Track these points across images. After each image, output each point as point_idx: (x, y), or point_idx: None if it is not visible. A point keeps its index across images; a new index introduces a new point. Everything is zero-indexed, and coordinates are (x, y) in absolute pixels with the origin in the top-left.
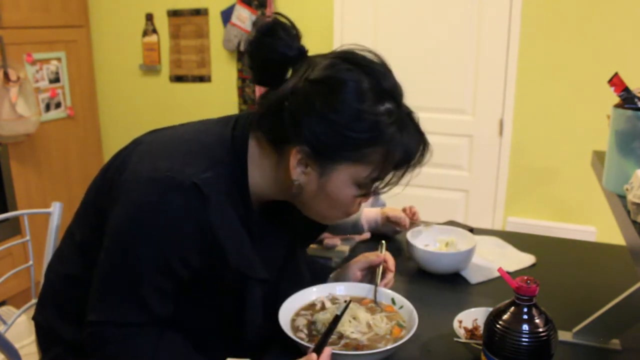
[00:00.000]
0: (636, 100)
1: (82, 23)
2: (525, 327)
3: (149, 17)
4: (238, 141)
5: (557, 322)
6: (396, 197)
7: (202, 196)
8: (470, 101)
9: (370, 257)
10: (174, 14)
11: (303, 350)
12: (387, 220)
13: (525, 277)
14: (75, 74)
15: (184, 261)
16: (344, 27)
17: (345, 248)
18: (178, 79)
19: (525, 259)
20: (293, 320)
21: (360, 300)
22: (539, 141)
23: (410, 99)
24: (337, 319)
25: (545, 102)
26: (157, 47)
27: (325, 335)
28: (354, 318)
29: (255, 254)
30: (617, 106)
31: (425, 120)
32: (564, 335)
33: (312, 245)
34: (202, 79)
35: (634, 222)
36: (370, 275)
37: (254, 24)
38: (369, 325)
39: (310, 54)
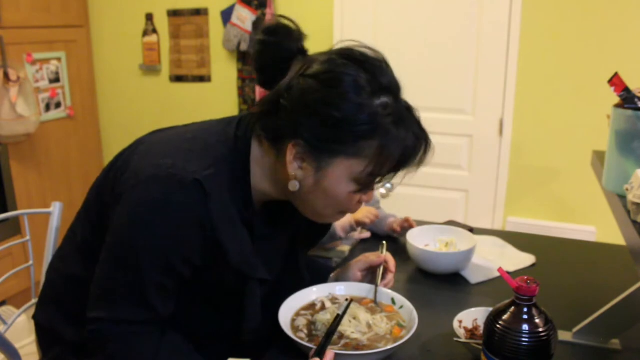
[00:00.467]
0: (636, 100)
1: (82, 23)
2: (525, 327)
3: (149, 17)
4: (241, 140)
5: (557, 322)
6: (396, 197)
7: (204, 193)
8: (470, 101)
9: (371, 257)
10: (174, 14)
11: (303, 351)
12: (357, 223)
13: (525, 277)
14: (75, 74)
15: (186, 259)
16: (344, 27)
17: (345, 248)
18: (178, 79)
19: (525, 259)
20: (293, 320)
21: (360, 300)
22: (539, 141)
23: (410, 99)
24: (338, 318)
25: (545, 102)
26: (157, 47)
27: (327, 337)
28: (354, 318)
29: (256, 254)
30: (617, 106)
31: (425, 120)
32: (564, 335)
33: None
34: (202, 79)
35: (634, 222)
36: (370, 275)
37: (255, 25)
38: (369, 325)
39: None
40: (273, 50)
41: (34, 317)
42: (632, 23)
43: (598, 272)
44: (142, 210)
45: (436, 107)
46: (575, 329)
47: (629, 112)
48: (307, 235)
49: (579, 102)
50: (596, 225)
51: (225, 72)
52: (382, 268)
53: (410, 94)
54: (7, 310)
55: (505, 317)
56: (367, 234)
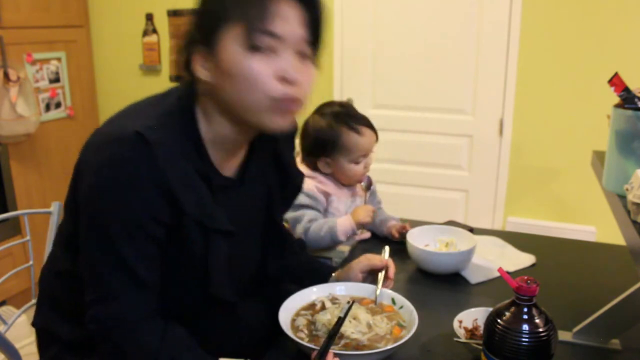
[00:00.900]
0: (636, 100)
1: (82, 23)
2: (525, 327)
3: (149, 17)
4: (184, 95)
5: (557, 322)
6: (396, 197)
7: (146, 143)
8: (470, 101)
9: (374, 260)
10: (174, 14)
11: (304, 351)
12: (357, 225)
13: (525, 277)
14: (75, 74)
15: (153, 217)
16: (344, 27)
17: (345, 248)
18: (178, 79)
19: (525, 259)
20: (293, 320)
21: (360, 301)
22: (539, 141)
23: (410, 99)
24: (339, 321)
25: (545, 102)
26: (157, 47)
27: (329, 339)
28: (354, 318)
29: (217, 205)
30: (617, 106)
31: (425, 120)
32: (564, 335)
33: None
34: None
35: (634, 222)
36: (371, 277)
37: None
38: (369, 326)
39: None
40: None
41: (33, 323)
42: (632, 23)
43: (598, 272)
44: (97, 177)
45: (436, 107)
46: (575, 329)
47: (629, 112)
48: (282, 189)
49: (579, 102)
50: (596, 225)
51: None
52: (383, 273)
53: (410, 94)
54: (7, 310)
55: (505, 317)
56: (367, 235)
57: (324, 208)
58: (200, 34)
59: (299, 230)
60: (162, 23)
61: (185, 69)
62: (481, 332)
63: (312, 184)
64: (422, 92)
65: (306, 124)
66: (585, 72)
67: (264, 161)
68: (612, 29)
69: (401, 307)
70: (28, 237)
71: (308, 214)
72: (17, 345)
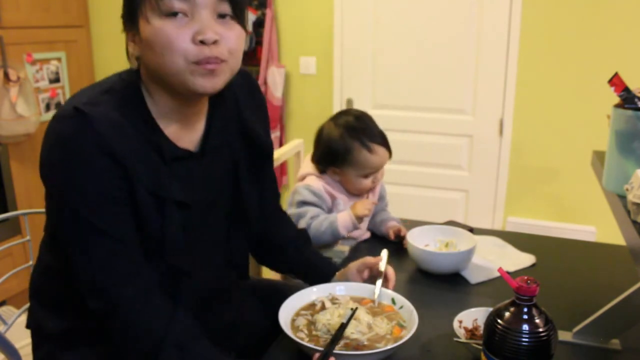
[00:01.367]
0: (636, 100)
1: (82, 23)
2: (525, 327)
3: None
4: (128, 73)
5: (557, 322)
6: (396, 197)
7: (85, 116)
8: (470, 101)
9: (368, 259)
10: None
11: (304, 350)
12: (357, 219)
13: (525, 277)
14: (75, 74)
15: (113, 184)
16: (344, 27)
17: (345, 248)
18: None
19: (525, 259)
20: (293, 320)
21: (360, 300)
22: (539, 141)
23: (410, 99)
24: (342, 327)
25: (545, 102)
26: None
27: (331, 343)
28: (355, 318)
29: (171, 175)
30: (617, 106)
31: (425, 120)
32: (564, 335)
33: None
34: None
35: (634, 222)
36: (370, 280)
37: (256, 25)
38: (369, 326)
39: (309, 54)
40: None
41: (26, 325)
42: (632, 23)
43: (598, 272)
44: (47, 160)
45: (436, 107)
46: (575, 329)
47: (629, 112)
48: (251, 159)
49: (579, 102)
50: (596, 225)
51: None
52: (382, 278)
53: (410, 94)
54: (7, 310)
55: (505, 317)
56: (367, 235)
57: (328, 208)
58: (126, 16)
59: (300, 227)
60: None
61: (126, 53)
62: (481, 332)
63: (320, 183)
64: (422, 92)
65: (321, 130)
66: (585, 72)
67: (228, 132)
68: (612, 29)
69: (401, 307)
70: (28, 237)
71: (311, 210)
72: (17, 345)
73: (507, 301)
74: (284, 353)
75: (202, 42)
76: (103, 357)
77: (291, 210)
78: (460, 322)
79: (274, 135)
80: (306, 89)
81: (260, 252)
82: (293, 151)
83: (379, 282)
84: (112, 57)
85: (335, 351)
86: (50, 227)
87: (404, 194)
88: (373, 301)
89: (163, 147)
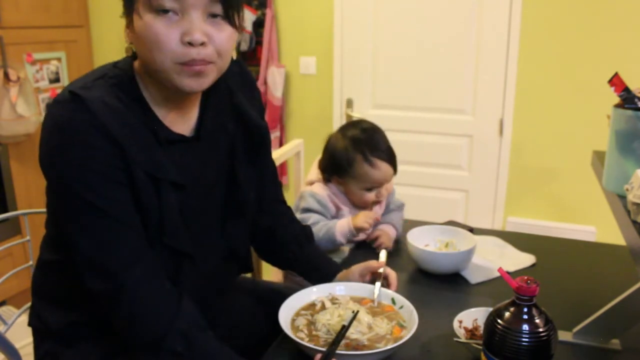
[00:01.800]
0: (636, 100)
1: (82, 23)
2: (525, 327)
3: None
4: (122, 61)
5: (557, 322)
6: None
7: (81, 100)
8: (470, 101)
9: (371, 262)
10: None
11: (304, 351)
12: (356, 229)
13: (525, 277)
14: (75, 74)
15: (110, 164)
16: (344, 27)
17: (345, 248)
18: None
19: (525, 259)
20: (293, 320)
21: (360, 300)
22: (539, 141)
23: (410, 99)
24: (343, 330)
25: (545, 102)
26: None
27: (333, 344)
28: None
29: (167, 158)
30: (617, 106)
31: (425, 120)
32: (564, 335)
33: None
34: None
35: (634, 222)
36: (373, 282)
37: (255, 25)
38: (369, 326)
39: (309, 54)
40: None
41: (28, 323)
42: (632, 23)
43: (598, 272)
44: (46, 145)
45: (436, 107)
46: (575, 329)
47: (629, 112)
48: (246, 142)
49: (579, 102)
50: (596, 225)
51: None
52: (381, 279)
53: (410, 94)
54: (7, 310)
55: (505, 317)
56: (363, 236)
57: (332, 217)
58: (125, 4)
59: None
60: None
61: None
62: (481, 332)
63: (326, 192)
64: (422, 92)
65: (329, 139)
66: (585, 72)
67: (223, 115)
68: (612, 29)
69: (401, 307)
70: (28, 237)
71: (314, 217)
72: (17, 345)
73: (507, 301)
74: (284, 353)
75: (190, 44)
76: (105, 353)
77: (296, 216)
78: (460, 322)
79: (274, 135)
80: (306, 89)
81: (262, 247)
82: (293, 151)
83: (378, 284)
84: (112, 57)
85: (335, 351)
86: (51, 217)
87: (403, 194)
88: (373, 301)
89: (158, 130)
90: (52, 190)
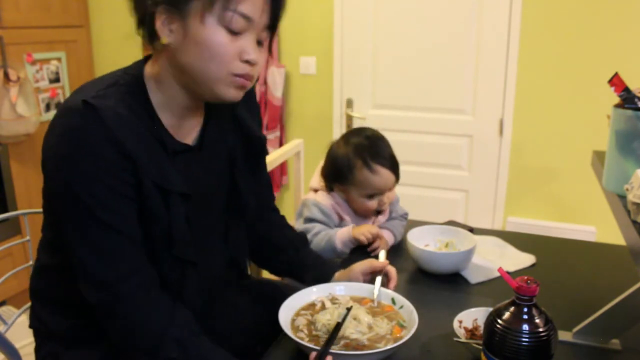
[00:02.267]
0: (636, 100)
1: (82, 23)
2: (525, 327)
3: None
4: (132, 67)
5: (557, 322)
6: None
7: (94, 109)
8: (470, 101)
9: (374, 262)
10: None
11: (304, 350)
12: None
13: (525, 277)
14: (75, 74)
15: (117, 177)
16: (344, 27)
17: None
18: None
19: (525, 259)
20: (293, 320)
21: (360, 300)
22: (539, 141)
23: (410, 99)
24: (338, 327)
25: (545, 102)
26: None
27: (327, 343)
28: (355, 318)
29: (173, 168)
30: (617, 106)
31: (425, 120)
32: (564, 335)
33: None
34: None
35: (634, 222)
36: (373, 280)
37: None
38: (369, 326)
39: (309, 54)
40: None
41: (29, 325)
42: (632, 23)
43: (598, 272)
44: (54, 153)
45: (436, 107)
46: (575, 329)
47: (629, 112)
48: (245, 152)
49: (579, 102)
50: (596, 225)
51: None
52: (381, 276)
53: (410, 94)
54: (7, 310)
55: (505, 317)
56: None
57: (335, 226)
58: (168, 7)
59: None
60: None
61: (142, 23)
62: (481, 332)
63: (330, 202)
64: (422, 92)
65: (331, 146)
66: (585, 72)
67: (224, 125)
68: (612, 29)
69: (401, 307)
70: (28, 237)
71: (317, 227)
72: (17, 345)
73: (507, 301)
74: (284, 353)
75: (247, 62)
76: (106, 354)
77: (298, 224)
78: (460, 322)
79: (274, 135)
80: (306, 89)
81: (259, 255)
82: (293, 151)
83: (379, 279)
84: (112, 57)
85: (335, 351)
86: (50, 225)
87: (403, 194)
88: (373, 300)
89: (166, 140)
90: (55, 195)
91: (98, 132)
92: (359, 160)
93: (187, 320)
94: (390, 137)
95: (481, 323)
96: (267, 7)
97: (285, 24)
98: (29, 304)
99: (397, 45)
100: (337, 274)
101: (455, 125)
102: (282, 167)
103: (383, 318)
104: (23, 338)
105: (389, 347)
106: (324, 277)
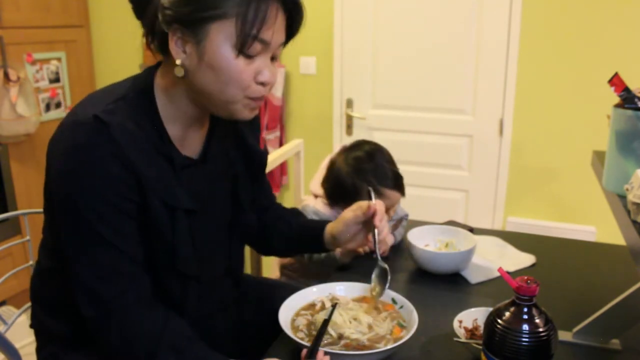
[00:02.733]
0: (636, 100)
1: (82, 23)
2: (525, 327)
3: None
4: (142, 77)
5: (557, 322)
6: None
7: (105, 125)
8: (470, 101)
9: (363, 205)
10: None
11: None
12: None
13: (525, 277)
14: (75, 74)
15: (122, 195)
16: (344, 27)
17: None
18: None
19: (525, 259)
20: (293, 320)
21: (360, 300)
22: (539, 141)
23: (410, 99)
24: (325, 323)
25: (545, 102)
26: None
27: (316, 340)
28: (355, 319)
29: (179, 183)
30: (617, 106)
31: (425, 120)
32: (564, 335)
33: None
34: None
35: (634, 222)
36: (367, 230)
37: None
38: (369, 326)
39: (309, 54)
40: None
41: (30, 325)
42: (632, 23)
43: (598, 272)
44: (60, 165)
45: (436, 107)
46: (575, 329)
47: (629, 112)
48: (246, 167)
49: (579, 102)
50: (596, 225)
51: None
52: (377, 233)
53: (410, 94)
54: (7, 310)
55: (505, 317)
56: None
57: None
58: (188, 16)
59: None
60: None
61: (151, 34)
62: (481, 332)
63: (329, 211)
64: (422, 92)
65: (332, 164)
66: (585, 72)
67: (226, 139)
68: (612, 29)
69: (401, 307)
70: (28, 237)
71: None
72: (17, 345)
73: (507, 301)
74: (284, 353)
75: (261, 82)
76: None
77: None
78: (460, 322)
79: (274, 135)
80: (306, 89)
81: (258, 240)
82: (293, 151)
83: (375, 233)
84: (112, 57)
85: (335, 351)
86: (51, 231)
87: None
88: (374, 298)
89: (173, 155)
90: (57, 206)
91: (106, 148)
92: (365, 184)
93: (182, 326)
94: (390, 137)
95: (481, 323)
96: (285, 26)
97: None
98: (29, 304)
99: (397, 45)
100: (328, 227)
101: (455, 125)
102: (282, 167)
103: (383, 318)
104: (23, 338)
105: (389, 347)
106: (316, 231)
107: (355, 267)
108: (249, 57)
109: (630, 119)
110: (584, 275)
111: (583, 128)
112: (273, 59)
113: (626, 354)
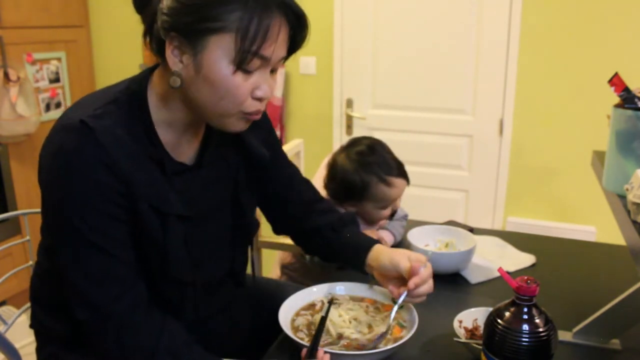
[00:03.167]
0: (636, 100)
1: (82, 23)
2: (525, 327)
3: None
4: (137, 80)
5: (557, 322)
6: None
7: (91, 129)
8: (470, 101)
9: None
10: None
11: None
12: None
13: (525, 277)
14: (75, 74)
15: (110, 200)
16: (344, 27)
17: None
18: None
19: (525, 259)
20: (293, 320)
21: (360, 300)
22: (539, 141)
23: (410, 99)
24: (323, 320)
25: (545, 102)
26: None
27: (315, 338)
28: (355, 319)
29: (171, 189)
30: (617, 106)
31: (425, 120)
32: (564, 335)
33: None
34: None
35: (634, 222)
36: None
37: None
38: (369, 326)
39: (309, 54)
40: None
41: (30, 325)
42: (632, 23)
43: (598, 272)
44: (48, 170)
45: (436, 107)
46: (575, 329)
47: (629, 112)
48: (247, 171)
49: (579, 102)
50: (596, 225)
51: None
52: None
53: (410, 94)
54: (7, 310)
55: (505, 317)
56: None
57: None
58: (187, 27)
59: None
60: None
61: (152, 42)
62: (481, 332)
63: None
64: (422, 92)
65: (334, 164)
66: (585, 72)
67: (225, 145)
68: (612, 29)
69: (401, 307)
70: (28, 237)
71: None
72: (17, 345)
73: (507, 301)
74: (284, 353)
75: (258, 97)
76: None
77: None
78: (460, 322)
79: None
80: (306, 89)
81: (299, 237)
82: (293, 151)
83: (403, 296)
84: (112, 57)
85: (335, 351)
86: (45, 235)
87: (404, 194)
88: (374, 301)
89: (164, 161)
90: (48, 211)
91: (93, 154)
92: (373, 176)
93: (179, 331)
94: (390, 137)
95: (481, 323)
96: (288, 40)
97: None
98: (29, 304)
99: (397, 45)
100: (373, 254)
101: (455, 125)
102: None
103: (383, 318)
104: (23, 338)
105: (389, 347)
106: (356, 259)
107: None
108: (247, 72)
109: (630, 119)
110: (584, 275)
111: (583, 128)
112: (273, 71)
113: (626, 354)
